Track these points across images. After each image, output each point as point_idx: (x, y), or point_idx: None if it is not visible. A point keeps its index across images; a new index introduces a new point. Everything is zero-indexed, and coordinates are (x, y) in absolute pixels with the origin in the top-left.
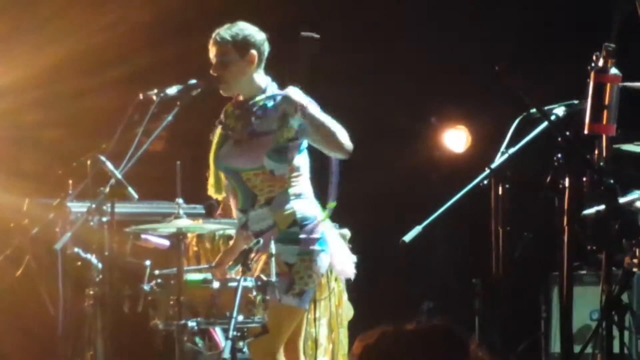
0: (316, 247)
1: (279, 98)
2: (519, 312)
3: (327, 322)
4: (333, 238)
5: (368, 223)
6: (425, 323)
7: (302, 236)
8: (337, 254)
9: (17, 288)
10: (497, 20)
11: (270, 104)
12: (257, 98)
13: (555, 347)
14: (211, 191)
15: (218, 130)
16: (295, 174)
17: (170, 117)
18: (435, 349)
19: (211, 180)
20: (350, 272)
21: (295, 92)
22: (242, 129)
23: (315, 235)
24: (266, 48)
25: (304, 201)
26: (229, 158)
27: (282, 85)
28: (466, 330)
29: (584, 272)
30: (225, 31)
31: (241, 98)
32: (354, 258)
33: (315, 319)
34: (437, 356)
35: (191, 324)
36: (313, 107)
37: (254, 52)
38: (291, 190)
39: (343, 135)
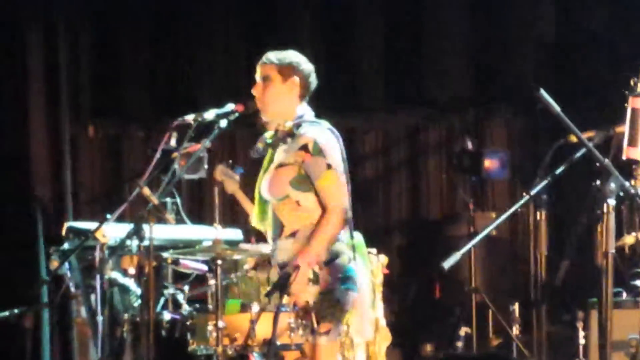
0: (338, 285)
1: (298, 131)
2: (557, 337)
3: (364, 348)
4: (362, 280)
5: (405, 249)
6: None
7: (323, 275)
8: (359, 312)
9: (56, 314)
10: (531, 44)
11: (294, 132)
12: (286, 125)
13: None
14: (254, 221)
15: (266, 157)
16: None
17: (208, 142)
18: None
19: (255, 210)
20: (368, 334)
21: (311, 132)
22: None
23: (338, 275)
24: (312, 81)
25: None
26: (262, 188)
27: None
28: None
29: (623, 297)
30: (273, 54)
31: (280, 126)
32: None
33: (352, 346)
34: None
35: (229, 349)
36: (315, 161)
37: (296, 79)
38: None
39: (336, 201)
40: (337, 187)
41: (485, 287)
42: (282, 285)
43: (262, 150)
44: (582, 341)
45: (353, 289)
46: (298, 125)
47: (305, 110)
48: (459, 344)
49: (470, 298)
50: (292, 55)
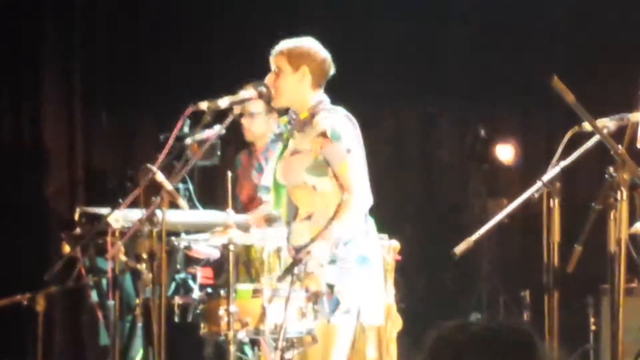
0: (355, 265)
1: (315, 119)
2: (568, 324)
3: (375, 333)
4: (375, 269)
5: (417, 235)
6: (500, 323)
7: (339, 256)
8: (369, 296)
9: (68, 298)
10: (546, 32)
11: (311, 120)
12: (302, 115)
13: None
14: (272, 205)
15: (282, 144)
16: (340, 189)
17: (221, 128)
18: (506, 348)
19: (272, 195)
20: (379, 319)
21: (329, 119)
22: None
23: (353, 255)
24: (326, 68)
25: None
26: (278, 174)
27: None
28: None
29: (634, 284)
30: (284, 44)
31: (296, 114)
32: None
33: (363, 331)
34: (507, 354)
35: (241, 334)
36: (335, 147)
37: (306, 68)
38: (332, 209)
39: (355, 186)
40: (357, 172)
41: (497, 274)
42: (294, 270)
43: (278, 136)
44: (592, 327)
45: (369, 265)
46: (314, 114)
47: (320, 98)
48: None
49: (481, 285)
50: (304, 44)
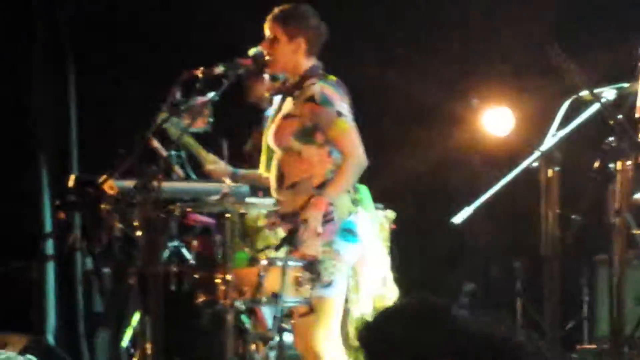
0: (338, 237)
1: (305, 84)
2: (563, 294)
3: (371, 302)
4: (365, 233)
5: (411, 204)
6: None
7: (322, 230)
8: (365, 265)
9: (61, 267)
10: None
11: (301, 85)
12: (294, 78)
13: (601, 330)
14: (261, 168)
15: (276, 109)
16: (326, 159)
17: (215, 95)
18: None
19: (263, 159)
20: (375, 288)
21: (317, 84)
22: (282, 109)
23: (336, 227)
24: (320, 36)
25: None
26: (269, 136)
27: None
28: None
29: (629, 255)
30: (281, 11)
31: (289, 79)
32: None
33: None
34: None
35: (237, 302)
36: (324, 111)
37: (301, 39)
38: (316, 179)
39: (351, 148)
40: (349, 135)
41: (490, 243)
42: (291, 239)
43: (271, 102)
44: (586, 298)
45: (353, 241)
46: (305, 78)
47: (314, 64)
48: (465, 299)
49: (474, 254)
50: (299, 14)
